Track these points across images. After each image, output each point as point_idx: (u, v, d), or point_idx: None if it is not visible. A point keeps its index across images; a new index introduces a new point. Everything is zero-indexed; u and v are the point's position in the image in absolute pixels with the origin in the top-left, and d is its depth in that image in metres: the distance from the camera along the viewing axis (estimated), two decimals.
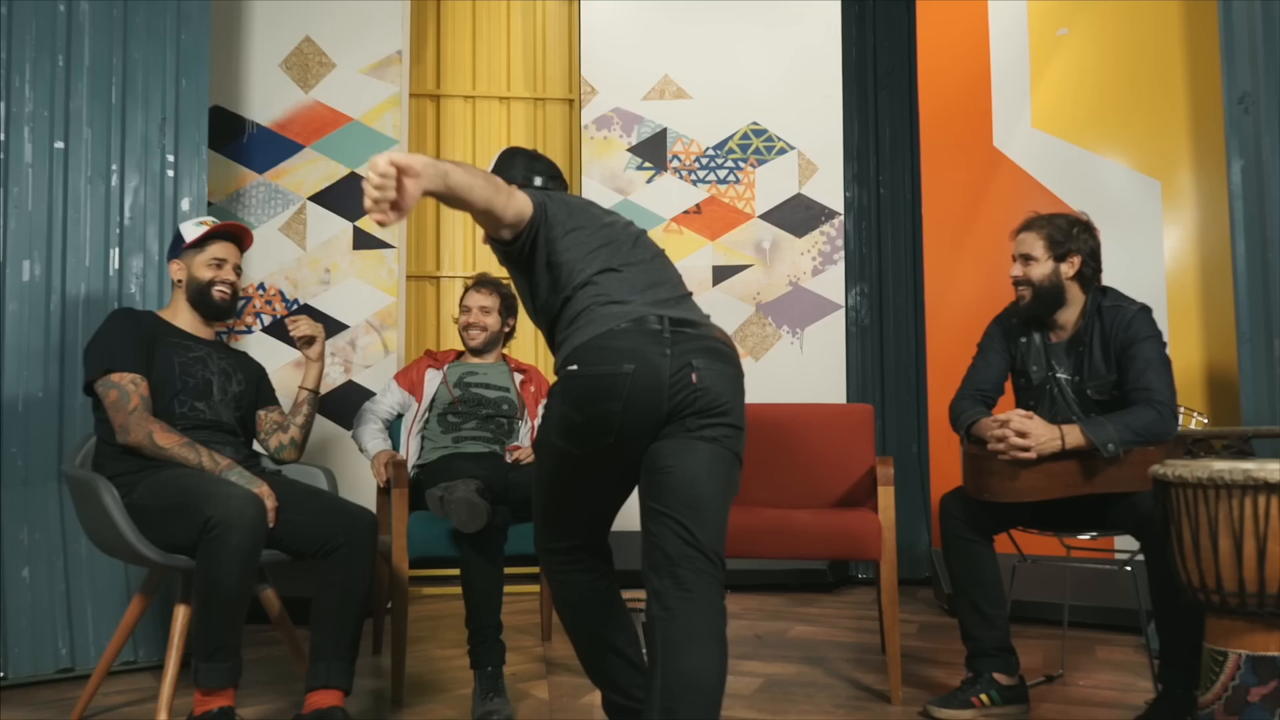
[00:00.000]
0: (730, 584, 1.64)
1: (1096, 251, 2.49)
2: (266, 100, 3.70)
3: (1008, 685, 2.39)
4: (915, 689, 2.60)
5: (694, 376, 1.66)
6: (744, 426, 1.73)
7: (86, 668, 2.67)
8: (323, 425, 3.50)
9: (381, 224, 1.50)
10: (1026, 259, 2.49)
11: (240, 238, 2.59)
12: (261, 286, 3.65)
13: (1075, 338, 2.50)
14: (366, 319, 3.71)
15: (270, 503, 2.25)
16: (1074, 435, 2.30)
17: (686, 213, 4.25)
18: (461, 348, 3.17)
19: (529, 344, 4.41)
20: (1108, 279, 2.55)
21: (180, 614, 2.26)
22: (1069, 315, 2.51)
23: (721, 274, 4.21)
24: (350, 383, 3.67)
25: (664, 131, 4.27)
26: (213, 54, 3.19)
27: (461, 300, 3.13)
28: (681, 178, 4.26)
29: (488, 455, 2.86)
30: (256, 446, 2.63)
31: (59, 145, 2.86)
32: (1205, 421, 3.07)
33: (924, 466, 4.23)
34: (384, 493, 2.85)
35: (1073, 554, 2.76)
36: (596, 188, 4.23)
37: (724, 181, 4.25)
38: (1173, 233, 3.43)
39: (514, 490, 2.59)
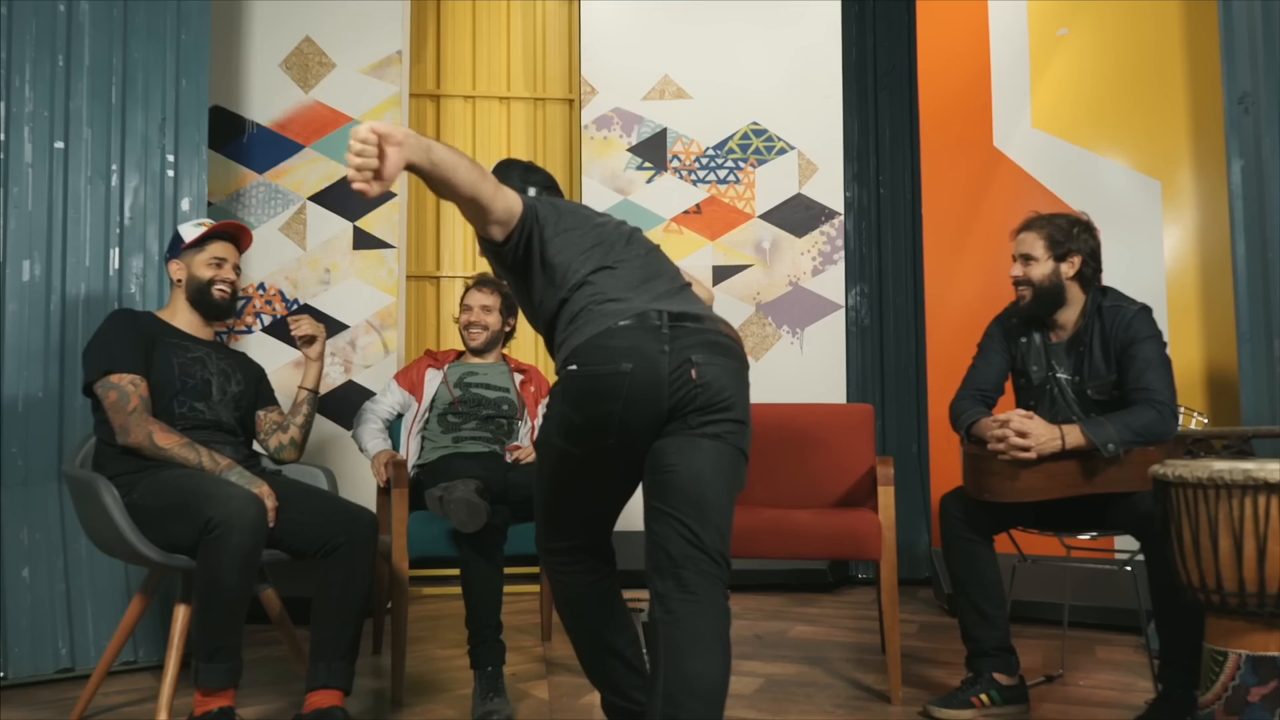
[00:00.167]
0: (730, 584, 1.63)
1: (1097, 251, 2.49)
2: (266, 100, 3.70)
3: (1008, 685, 2.39)
4: (915, 689, 2.60)
5: (693, 372, 1.63)
6: (749, 421, 1.70)
7: (86, 668, 2.67)
8: (322, 425, 3.50)
9: (365, 194, 1.49)
10: (1027, 259, 2.49)
11: (239, 238, 2.59)
12: (261, 286, 3.65)
13: (1075, 338, 2.50)
14: (366, 319, 3.71)
15: (270, 503, 2.25)
16: (1074, 435, 2.30)
17: (686, 213, 4.25)
18: (462, 348, 3.17)
19: (529, 344, 4.40)
20: (1108, 279, 2.55)
21: (180, 614, 2.26)
22: (1069, 315, 2.51)
23: (721, 274, 4.21)
24: (350, 383, 3.67)
25: (664, 131, 4.27)
26: (213, 54, 3.19)
27: (462, 299, 3.13)
28: (681, 178, 4.26)
29: (487, 455, 2.86)
30: (256, 447, 2.63)
31: (59, 145, 2.86)
32: (1205, 421, 3.07)
33: (924, 466, 4.23)
34: (384, 493, 2.85)
35: (1073, 554, 2.76)
36: (596, 188, 4.23)
37: (724, 181, 4.25)
38: (1173, 233, 3.43)
39: (514, 490, 2.59)
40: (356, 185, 1.48)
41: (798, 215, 4.24)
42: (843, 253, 4.24)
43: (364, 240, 3.73)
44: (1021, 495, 2.35)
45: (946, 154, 3.88)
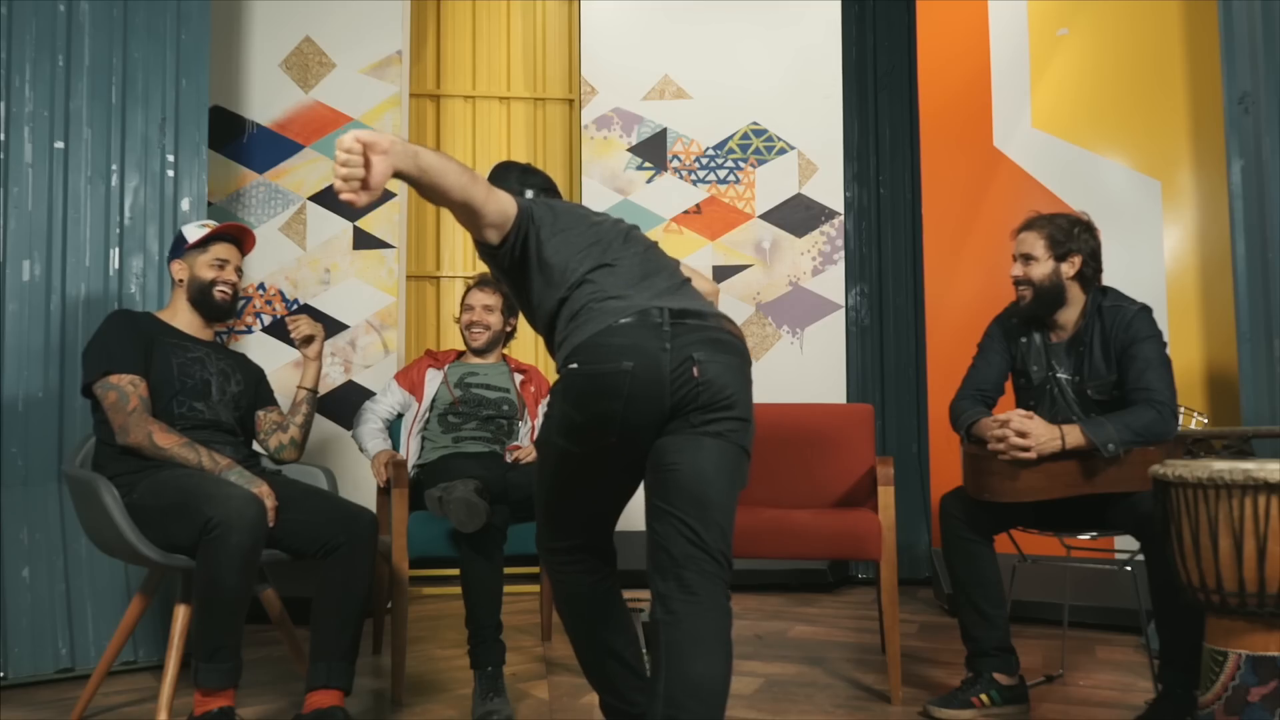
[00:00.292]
0: (730, 584, 1.63)
1: (1097, 251, 2.49)
2: (266, 100, 3.70)
3: (1008, 685, 2.39)
4: (915, 689, 2.60)
5: (695, 370, 1.61)
6: (751, 418, 1.69)
7: (86, 668, 2.67)
8: (322, 425, 3.50)
9: (353, 204, 1.48)
10: (1027, 259, 2.49)
11: (242, 240, 2.59)
12: (261, 286, 3.65)
13: (1075, 338, 2.50)
14: (366, 319, 3.71)
15: (270, 502, 2.25)
16: (1074, 435, 2.30)
17: (686, 213, 4.25)
18: (462, 348, 3.17)
19: (529, 344, 4.40)
20: (1108, 279, 2.55)
21: (180, 614, 2.25)
22: (1069, 315, 2.51)
23: (721, 274, 4.21)
24: (350, 383, 3.67)
25: (664, 131, 4.27)
26: (213, 54, 3.19)
27: (464, 299, 3.13)
28: (681, 178, 4.26)
29: (487, 455, 2.86)
30: (256, 447, 2.63)
31: (59, 145, 2.86)
32: (1205, 421, 3.07)
33: (924, 466, 4.22)
34: (384, 492, 2.85)
35: (1073, 554, 2.76)
36: (596, 188, 4.23)
37: (724, 181, 4.25)
38: (1173, 233, 3.43)
39: (513, 490, 2.59)
40: (344, 196, 1.47)
41: (798, 215, 4.24)
42: (843, 253, 4.24)
43: (364, 240, 3.73)
44: (1021, 495, 2.34)
45: (946, 154, 3.88)
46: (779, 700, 2.53)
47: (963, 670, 2.45)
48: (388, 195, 3.72)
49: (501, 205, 1.73)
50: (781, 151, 4.26)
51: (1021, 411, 2.37)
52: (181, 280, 2.52)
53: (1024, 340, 2.56)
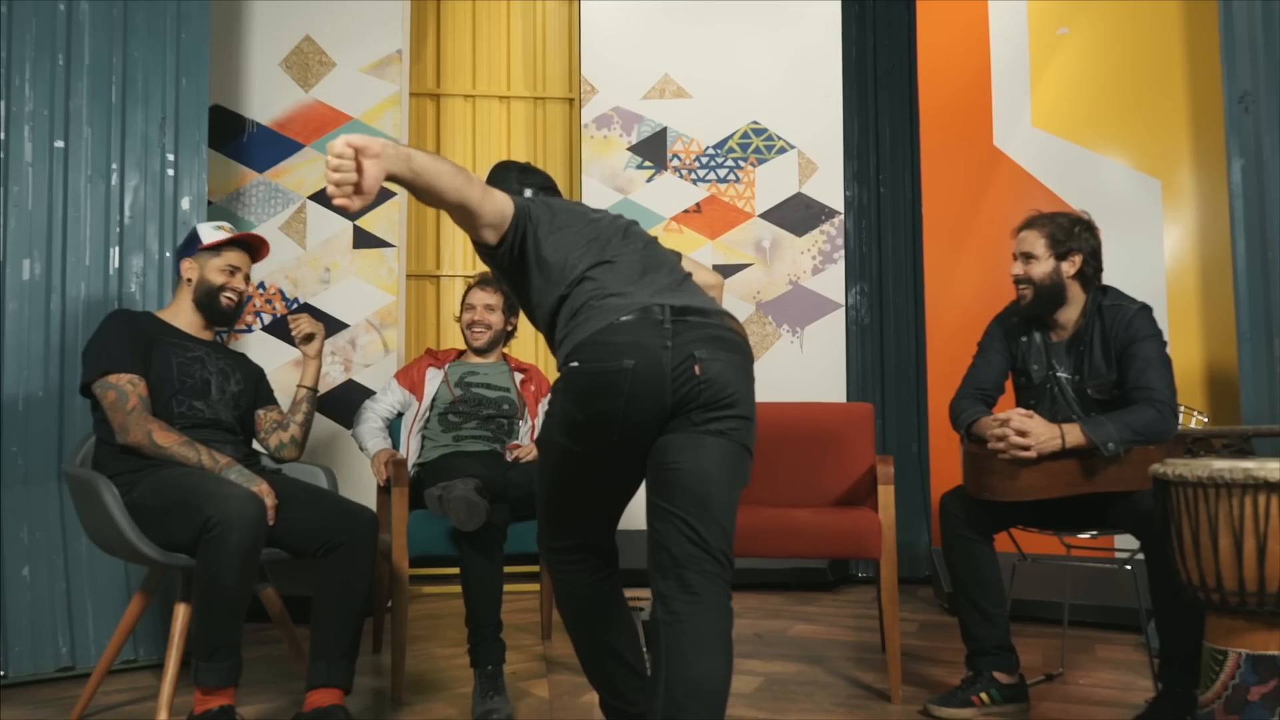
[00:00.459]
0: (731, 583, 1.63)
1: (1097, 250, 2.49)
2: (266, 99, 3.70)
3: (1008, 684, 2.39)
4: (915, 688, 2.60)
5: (697, 368, 1.60)
6: (754, 416, 1.67)
7: (87, 666, 2.67)
8: (323, 424, 3.51)
9: (346, 209, 1.47)
10: (1028, 257, 2.49)
11: (257, 249, 2.60)
12: (261, 285, 3.65)
13: (1076, 337, 2.50)
14: (366, 318, 3.71)
15: (270, 501, 2.25)
16: (1074, 434, 2.30)
17: (686, 212, 4.25)
18: (462, 347, 3.17)
19: (529, 343, 4.40)
20: (1108, 278, 2.55)
21: (180, 613, 2.26)
22: (1069, 314, 2.51)
23: (721, 273, 4.19)
24: (350, 382, 3.67)
25: (664, 130, 4.27)
26: (213, 53, 3.19)
27: (464, 298, 3.13)
28: (681, 177, 4.26)
29: (487, 453, 2.86)
30: (256, 445, 2.63)
31: (59, 144, 2.86)
32: (1205, 420, 3.07)
33: (924, 465, 4.23)
34: (384, 491, 2.85)
35: (1073, 553, 2.76)
36: (596, 187, 4.23)
37: (724, 180, 4.25)
38: (1173, 232, 3.43)
39: (513, 489, 2.59)
40: (337, 201, 1.46)
41: (798, 214, 4.24)
42: (843, 252, 4.24)
43: (364, 239, 3.73)
44: (1021, 494, 2.35)
45: (947, 153, 3.88)
46: (779, 699, 2.53)
47: (962, 669, 2.46)
48: (387, 194, 3.72)
49: (498, 205, 1.72)
50: (781, 151, 4.26)
51: (1021, 410, 2.37)
52: (190, 280, 2.52)
53: (1024, 339, 2.56)
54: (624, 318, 1.62)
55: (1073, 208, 2.68)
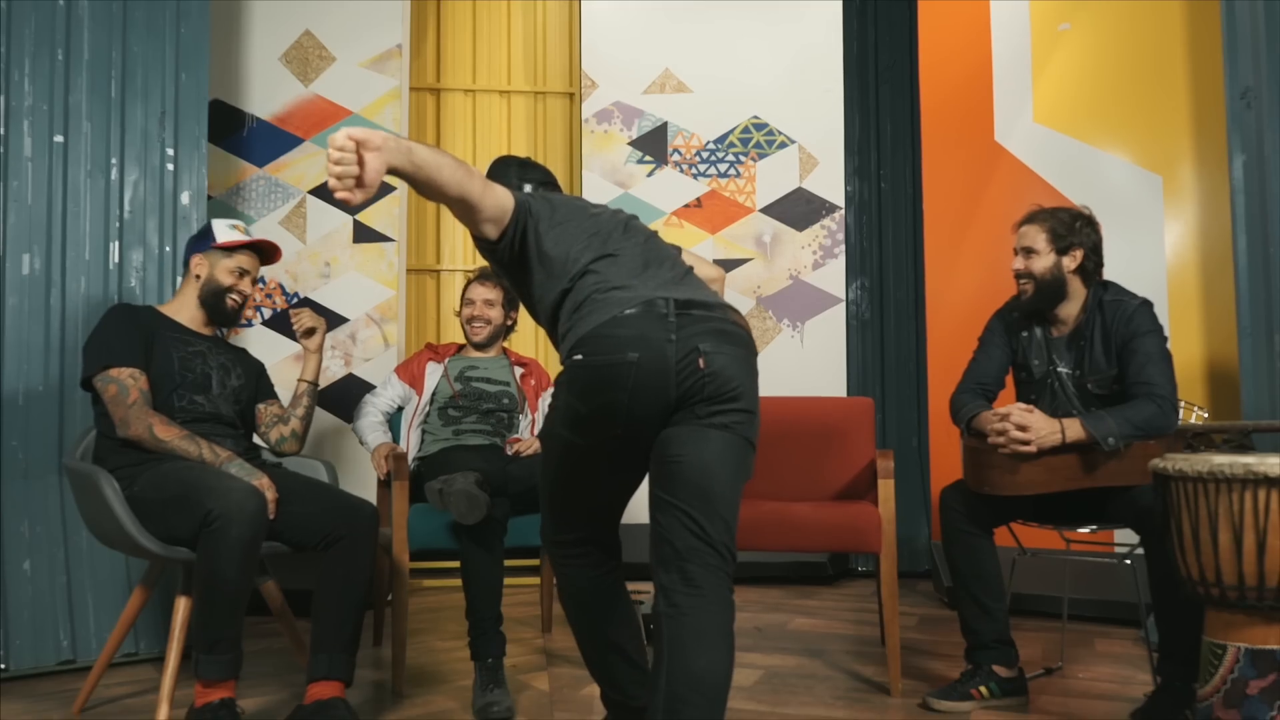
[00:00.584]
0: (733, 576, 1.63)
1: (1098, 246, 2.49)
2: (266, 94, 3.70)
3: (1007, 677, 2.40)
4: (915, 681, 2.61)
5: (701, 361, 1.60)
6: (757, 410, 1.67)
7: (88, 660, 2.68)
8: (323, 418, 3.51)
9: (348, 202, 1.47)
10: (1029, 252, 2.49)
11: (271, 254, 2.60)
12: (262, 280, 3.63)
13: (1076, 332, 2.50)
14: (367, 312, 3.71)
15: (270, 495, 2.25)
16: (1074, 429, 2.30)
17: (687, 206, 4.25)
18: (462, 341, 3.17)
19: (530, 338, 4.40)
20: (1109, 273, 2.55)
21: (181, 606, 2.26)
22: (1070, 309, 2.51)
23: (722, 267, 4.20)
24: (350, 376, 3.67)
25: (664, 125, 4.27)
26: (212, 48, 3.19)
27: (464, 293, 3.13)
28: (682, 171, 4.25)
29: (488, 447, 2.87)
30: (257, 440, 2.64)
31: (58, 139, 2.86)
32: (1206, 416, 3.07)
33: (924, 460, 4.23)
34: (384, 485, 2.85)
35: (1072, 547, 2.76)
36: (597, 181, 4.22)
37: (725, 175, 4.25)
38: (1174, 228, 3.43)
39: (513, 482, 2.59)
40: (339, 194, 1.46)
41: (798, 209, 4.23)
42: (843, 246, 4.24)
43: (364, 234, 3.73)
44: (1021, 489, 2.35)
45: (947, 148, 3.88)
46: (779, 692, 2.54)
47: (962, 662, 2.46)
48: (387, 189, 3.72)
49: (498, 200, 1.72)
50: (782, 145, 4.25)
51: (1022, 405, 2.37)
52: (199, 276, 2.52)
53: (1025, 334, 2.56)
54: (628, 311, 1.62)
55: (1074, 203, 2.68)
